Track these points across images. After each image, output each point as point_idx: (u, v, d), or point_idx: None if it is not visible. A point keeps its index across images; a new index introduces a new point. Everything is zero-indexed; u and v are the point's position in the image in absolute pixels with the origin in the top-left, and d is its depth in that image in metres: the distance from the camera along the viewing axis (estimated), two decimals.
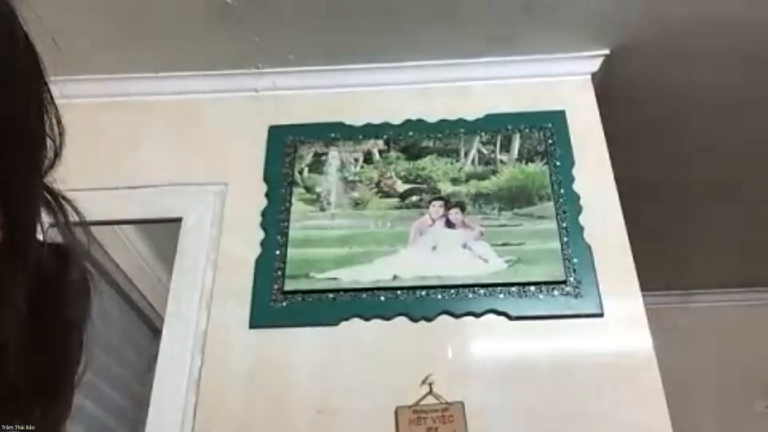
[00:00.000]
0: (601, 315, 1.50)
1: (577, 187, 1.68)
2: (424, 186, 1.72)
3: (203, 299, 1.60)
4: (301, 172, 1.77)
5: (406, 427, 1.39)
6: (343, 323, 1.53)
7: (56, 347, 0.38)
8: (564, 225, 1.62)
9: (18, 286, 0.32)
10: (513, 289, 1.54)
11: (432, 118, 1.83)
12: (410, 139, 1.80)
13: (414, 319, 1.53)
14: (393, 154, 1.78)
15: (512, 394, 1.44)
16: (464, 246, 1.62)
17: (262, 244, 1.65)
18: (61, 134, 0.36)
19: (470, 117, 1.82)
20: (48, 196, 0.37)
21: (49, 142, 0.36)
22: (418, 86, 1.89)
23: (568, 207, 1.65)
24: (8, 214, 0.31)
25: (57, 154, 0.36)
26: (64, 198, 0.38)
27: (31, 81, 0.34)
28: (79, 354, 0.40)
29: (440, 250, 1.62)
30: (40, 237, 0.36)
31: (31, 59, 0.35)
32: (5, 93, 0.31)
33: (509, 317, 1.51)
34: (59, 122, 0.36)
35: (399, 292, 1.55)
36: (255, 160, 1.79)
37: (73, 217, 0.38)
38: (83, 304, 0.40)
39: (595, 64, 1.87)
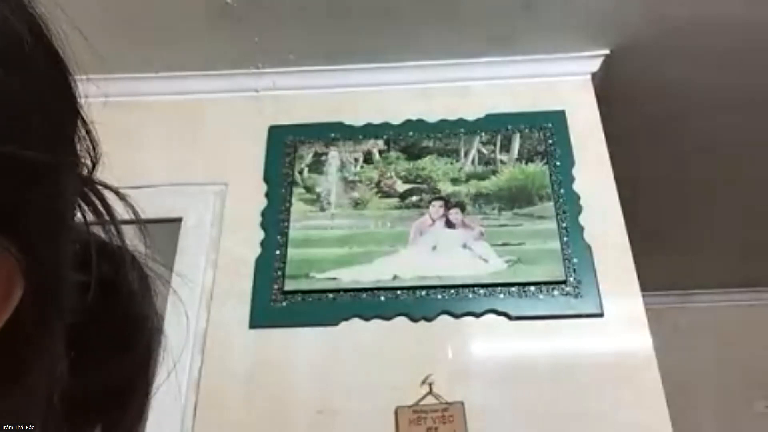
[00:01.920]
0: (601, 315, 1.50)
1: (577, 187, 1.68)
2: (424, 186, 1.72)
3: (203, 299, 1.60)
4: (301, 172, 1.77)
5: (406, 427, 1.39)
6: (343, 323, 1.53)
7: (124, 356, 0.37)
8: (564, 225, 1.62)
9: (54, 334, 0.29)
10: (513, 289, 1.54)
11: (432, 118, 1.83)
12: (410, 139, 1.80)
13: (414, 319, 1.53)
14: (393, 154, 1.78)
15: (512, 394, 1.44)
16: (464, 246, 1.62)
17: (262, 244, 1.65)
18: (95, 149, 0.32)
19: (470, 117, 1.82)
20: (92, 196, 0.33)
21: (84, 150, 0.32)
22: (418, 86, 1.89)
23: (568, 207, 1.65)
24: (32, 260, 0.27)
25: (94, 165, 0.33)
26: (117, 194, 0.35)
27: (52, 108, 0.29)
28: (149, 357, 0.38)
29: (440, 250, 1.62)
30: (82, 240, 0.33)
31: (50, 79, 0.29)
32: (16, 134, 0.25)
33: (509, 317, 1.51)
34: (92, 140, 0.32)
35: (399, 292, 1.55)
36: (255, 160, 1.79)
37: (130, 216, 0.36)
38: (146, 309, 0.38)
39: (595, 64, 1.87)
